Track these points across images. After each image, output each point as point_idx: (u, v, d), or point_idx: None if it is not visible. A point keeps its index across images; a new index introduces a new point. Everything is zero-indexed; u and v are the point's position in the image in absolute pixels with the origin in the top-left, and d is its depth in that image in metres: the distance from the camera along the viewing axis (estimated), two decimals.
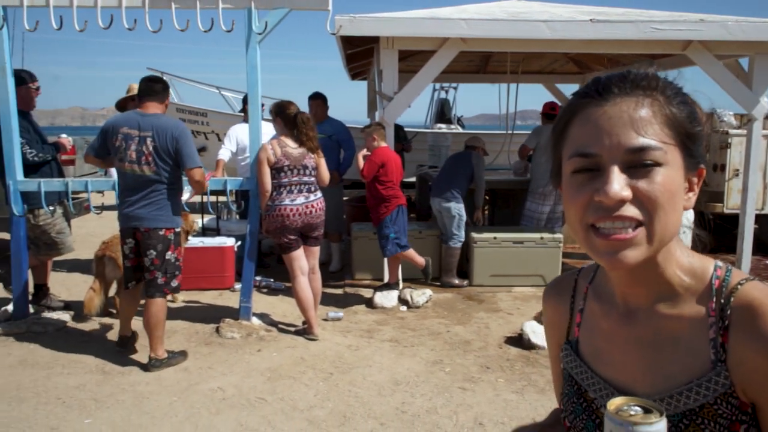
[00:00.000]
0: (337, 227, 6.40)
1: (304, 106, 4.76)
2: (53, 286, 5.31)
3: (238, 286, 5.49)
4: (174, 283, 4.09)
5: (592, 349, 0.90)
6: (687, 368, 0.78)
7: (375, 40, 5.81)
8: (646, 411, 0.71)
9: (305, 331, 4.60)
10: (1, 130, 4.45)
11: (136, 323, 4.40)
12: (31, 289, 4.97)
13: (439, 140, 11.40)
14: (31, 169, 4.70)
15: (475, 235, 5.92)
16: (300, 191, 4.46)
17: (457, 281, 5.92)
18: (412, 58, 7.64)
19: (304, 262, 4.57)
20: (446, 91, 14.47)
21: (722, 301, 0.78)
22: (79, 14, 4.37)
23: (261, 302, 5.35)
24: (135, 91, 4.62)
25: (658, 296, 0.82)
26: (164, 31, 4.52)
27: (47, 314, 4.83)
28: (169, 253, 4.02)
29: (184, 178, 4.16)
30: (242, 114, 6.75)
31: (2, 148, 4.48)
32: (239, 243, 5.84)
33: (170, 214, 4.02)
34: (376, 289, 5.55)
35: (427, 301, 5.44)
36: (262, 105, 4.84)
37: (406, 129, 9.73)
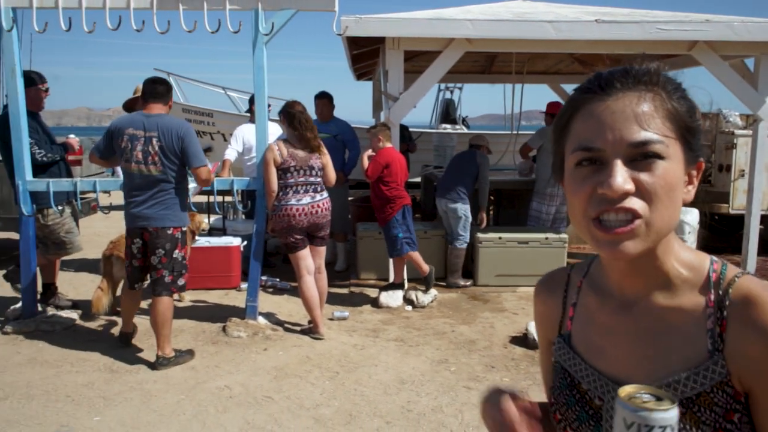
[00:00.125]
0: (343, 227, 6.42)
1: (309, 105, 4.78)
2: (61, 286, 5.35)
3: (244, 285, 5.52)
4: (180, 282, 4.13)
5: (586, 341, 0.92)
6: (684, 358, 0.80)
7: (381, 40, 5.83)
8: (658, 398, 0.72)
9: (311, 331, 4.63)
10: (11, 131, 4.49)
11: (139, 321, 4.44)
12: (39, 288, 5.01)
13: (444, 140, 11.42)
14: (39, 169, 4.74)
15: (480, 235, 5.94)
16: (306, 191, 4.48)
17: (461, 282, 5.94)
18: (417, 59, 7.66)
19: (310, 261, 4.60)
20: (451, 92, 14.47)
21: (720, 292, 0.81)
22: (88, 15, 4.42)
23: (267, 302, 5.38)
24: None
25: (656, 287, 0.84)
26: (170, 32, 4.56)
27: (55, 312, 4.88)
28: (177, 251, 4.06)
29: (189, 177, 4.20)
30: (248, 114, 6.79)
31: (12, 148, 4.52)
32: (245, 243, 5.87)
33: (177, 212, 4.07)
34: (382, 288, 5.57)
35: (432, 301, 5.46)
36: (269, 105, 4.86)
37: (410, 129, 9.75)
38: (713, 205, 7.40)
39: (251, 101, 6.11)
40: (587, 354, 0.90)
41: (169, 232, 4.02)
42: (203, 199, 7.32)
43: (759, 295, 0.78)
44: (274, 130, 5.36)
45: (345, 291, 5.83)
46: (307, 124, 4.48)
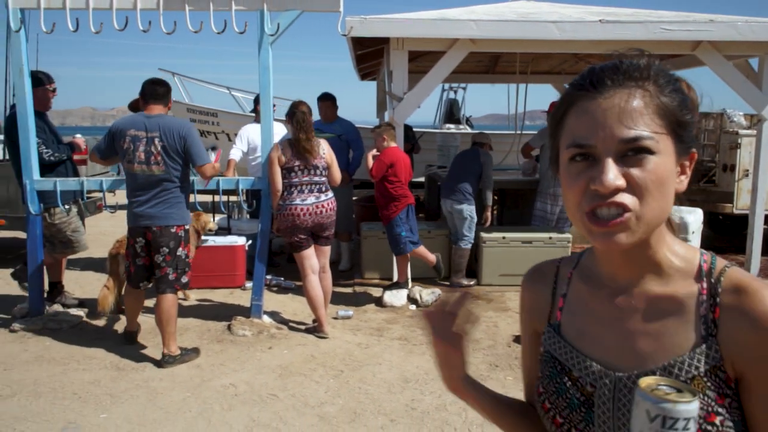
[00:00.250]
0: (347, 227, 6.44)
1: (312, 105, 4.79)
2: (67, 284, 5.39)
3: (248, 284, 5.55)
4: (184, 279, 4.18)
5: (577, 330, 0.94)
6: (677, 343, 0.83)
7: (385, 41, 5.85)
8: (678, 390, 0.73)
9: (315, 329, 4.66)
10: (19, 130, 4.53)
11: (144, 319, 4.47)
12: (45, 286, 5.05)
13: (448, 140, 11.42)
14: (47, 168, 4.78)
15: (484, 234, 5.95)
16: (311, 191, 4.51)
17: (465, 281, 5.95)
18: (421, 59, 7.68)
19: (315, 261, 4.62)
20: (455, 92, 14.47)
21: (712, 281, 0.84)
22: (95, 16, 4.45)
23: (271, 301, 5.41)
24: None
25: (649, 276, 0.87)
26: (174, 32, 4.58)
27: (62, 310, 4.91)
28: (180, 249, 4.11)
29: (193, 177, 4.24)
30: (253, 114, 6.82)
31: (20, 147, 4.56)
32: (250, 242, 5.90)
33: (180, 211, 4.12)
34: (386, 288, 5.59)
35: (435, 300, 5.47)
36: (274, 105, 4.89)
37: (414, 129, 9.77)
38: (717, 204, 7.40)
39: (256, 101, 6.14)
40: (579, 342, 0.92)
41: (173, 230, 4.06)
42: (208, 198, 7.36)
43: (750, 285, 0.81)
44: (279, 130, 5.39)
45: (349, 290, 5.85)
46: (303, 125, 4.46)
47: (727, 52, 5.56)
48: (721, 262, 0.87)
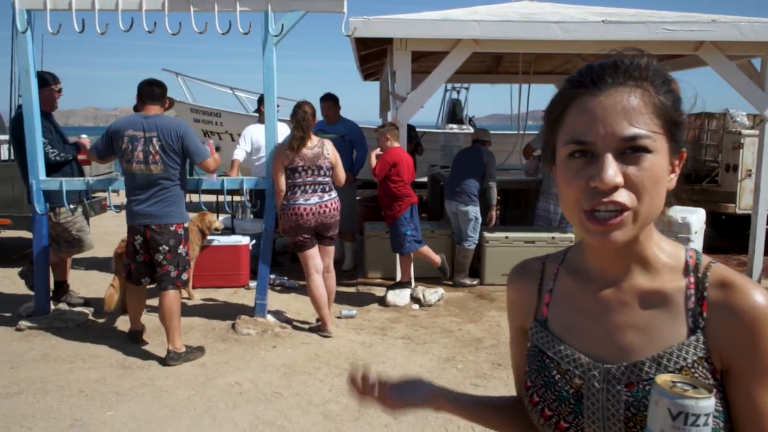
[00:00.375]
0: (350, 226, 6.47)
1: (315, 106, 4.81)
2: (72, 283, 5.42)
3: (252, 284, 5.58)
4: (184, 276, 4.26)
5: (565, 324, 0.96)
6: (665, 335, 0.85)
7: (388, 41, 5.87)
8: (693, 387, 0.75)
9: (319, 329, 4.68)
10: (25, 131, 4.57)
11: (148, 318, 4.50)
12: (51, 285, 5.08)
13: (451, 140, 11.43)
14: (52, 168, 4.81)
15: (486, 234, 5.97)
16: (314, 191, 4.53)
17: (468, 281, 5.98)
18: (424, 59, 7.70)
19: (319, 260, 4.64)
20: (458, 92, 14.47)
21: (699, 275, 0.87)
22: (100, 17, 4.48)
23: (275, 300, 5.43)
24: None
25: (638, 271, 0.89)
26: (178, 33, 4.61)
27: (68, 309, 4.95)
28: (181, 247, 4.19)
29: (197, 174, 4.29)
30: (256, 114, 6.85)
31: (26, 147, 4.60)
32: (254, 242, 5.93)
33: (179, 209, 4.19)
34: (389, 287, 5.62)
35: (439, 300, 5.50)
36: (278, 106, 4.92)
37: (416, 129, 9.78)
38: (720, 204, 7.41)
39: (260, 101, 6.16)
40: (567, 336, 0.94)
41: (172, 228, 4.13)
42: (212, 198, 7.39)
43: (735, 280, 0.85)
44: (283, 130, 5.41)
45: (353, 290, 5.88)
46: (301, 123, 4.48)
47: (729, 53, 5.57)
48: (705, 258, 0.90)
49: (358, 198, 7.55)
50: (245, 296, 5.59)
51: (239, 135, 6.33)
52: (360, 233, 6.78)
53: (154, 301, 4.93)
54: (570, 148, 0.83)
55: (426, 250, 5.45)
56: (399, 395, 1.06)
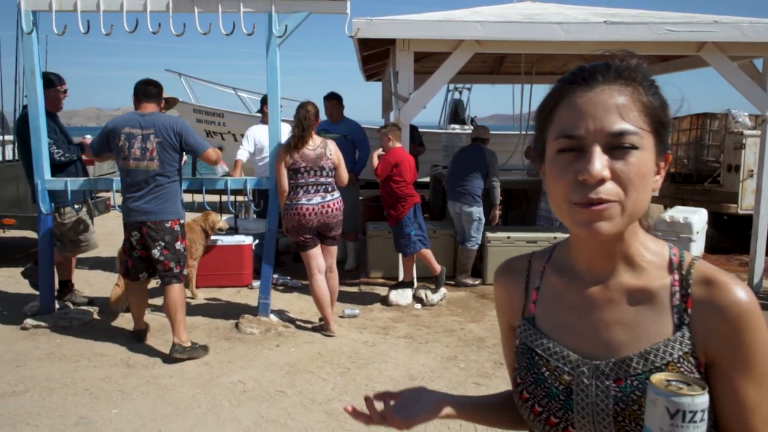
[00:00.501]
0: (353, 226, 6.49)
1: (318, 105, 4.84)
2: (76, 283, 5.46)
3: (255, 283, 5.61)
4: (184, 271, 4.33)
5: (552, 321, 0.97)
6: (651, 331, 0.88)
7: (391, 42, 5.90)
8: (687, 384, 0.77)
9: (322, 328, 4.71)
10: (30, 131, 4.60)
11: (152, 318, 4.53)
12: (56, 285, 5.11)
13: (453, 141, 11.48)
14: (57, 168, 4.85)
15: (488, 234, 5.99)
16: (317, 191, 4.56)
17: (470, 281, 6.00)
18: (427, 60, 7.72)
19: (321, 260, 4.67)
20: (460, 92, 14.51)
21: (683, 272, 0.89)
22: (105, 18, 4.51)
23: (278, 299, 5.46)
24: None
25: (623, 268, 0.92)
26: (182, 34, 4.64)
27: (72, 308, 4.98)
28: (178, 243, 4.25)
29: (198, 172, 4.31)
30: (259, 114, 6.87)
31: (31, 148, 4.63)
32: (257, 241, 5.96)
33: (175, 206, 4.24)
34: (391, 287, 5.64)
35: (441, 299, 5.52)
36: (281, 106, 4.94)
37: (419, 129, 9.80)
38: (722, 205, 7.42)
39: (263, 102, 6.19)
40: (555, 332, 0.96)
41: (168, 225, 4.18)
42: (215, 198, 7.42)
43: (718, 277, 0.87)
44: (286, 131, 5.43)
45: (355, 289, 5.90)
46: (302, 122, 4.51)
47: (731, 53, 5.58)
48: (688, 255, 0.92)
49: (360, 198, 7.58)
50: (248, 296, 5.62)
51: (242, 135, 6.35)
52: (362, 233, 6.81)
53: (157, 300, 4.96)
54: (559, 143, 0.85)
55: (428, 254, 5.45)
56: (404, 414, 1.06)
